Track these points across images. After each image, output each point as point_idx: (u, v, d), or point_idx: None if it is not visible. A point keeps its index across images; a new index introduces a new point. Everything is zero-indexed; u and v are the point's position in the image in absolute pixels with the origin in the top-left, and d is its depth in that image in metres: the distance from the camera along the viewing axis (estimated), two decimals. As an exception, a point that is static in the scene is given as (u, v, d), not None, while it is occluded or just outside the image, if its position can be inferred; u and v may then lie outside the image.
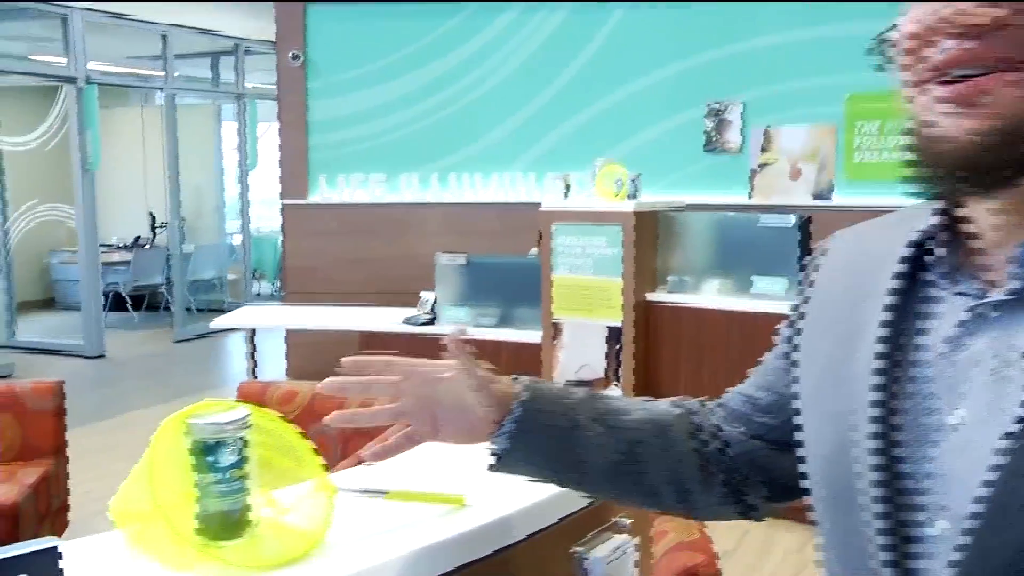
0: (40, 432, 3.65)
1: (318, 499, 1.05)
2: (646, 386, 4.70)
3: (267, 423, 1.08)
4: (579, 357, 4.87)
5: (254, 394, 3.60)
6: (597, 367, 4.82)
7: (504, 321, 5.24)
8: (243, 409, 1.04)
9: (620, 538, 1.32)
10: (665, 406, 1.02)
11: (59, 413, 3.70)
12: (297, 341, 7.00)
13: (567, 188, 5.22)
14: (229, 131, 10.09)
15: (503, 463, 0.97)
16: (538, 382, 0.99)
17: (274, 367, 6.98)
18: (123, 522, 1.01)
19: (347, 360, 1.00)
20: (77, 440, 3.73)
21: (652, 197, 5.16)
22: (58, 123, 8.26)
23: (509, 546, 1.14)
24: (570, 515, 1.24)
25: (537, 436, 0.95)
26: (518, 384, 0.99)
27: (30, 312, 9.54)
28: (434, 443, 1.00)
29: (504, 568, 1.15)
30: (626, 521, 1.35)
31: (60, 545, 0.89)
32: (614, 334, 4.73)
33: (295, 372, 6.92)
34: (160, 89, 8.85)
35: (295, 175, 7.05)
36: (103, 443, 5.27)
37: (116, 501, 1.01)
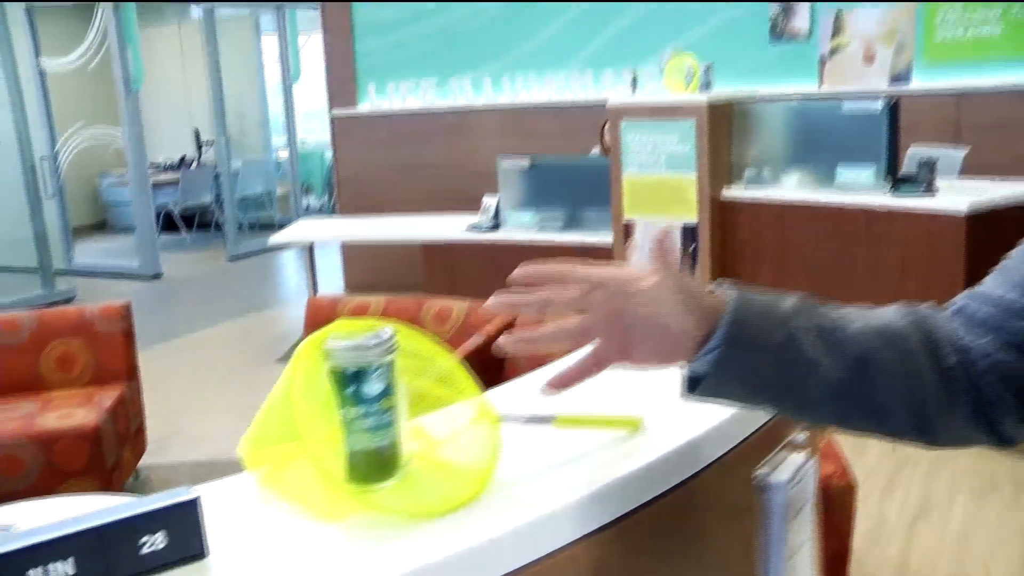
0: (112, 355, 3.58)
1: (480, 431, 0.89)
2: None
3: (414, 345, 0.91)
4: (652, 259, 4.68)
5: (325, 309, 3.48)
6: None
7: (571, 224, 5.05)
8: (387, 329, 0.88)
9: (798, 457, 1.16)
10: (890, 314, 0.83)
11: (128, 335, 3.62)
12: (354, 255, 6.88)
13: (635, 82, 4.95)
14: (269, 43, 9.83)
15: (706, 387, 0.80)
16: (745, 291, 0.81)
17: (330, 282, 6.89)
18: (256, 463, 0.86)
19: (519, 272, 0.82)
20: (141, 363, 3.65)
21: (719, 90, 4.87)
22: (97, 42, 8.06)
23: (692, 475, 0.98)
24: (751, 435, 1.07)
25: (749, 354, 0.78)
26: (724, 293, 0.81)
27: (84, 236, 9.53)
28: (623, 366, 0.83)
29: (688, 501, 0.99)
30: (803, 437, 1.18)
31: (199, 497, 0.74)
32: (689, 233, 4.52)
33: (352, 286, 6.82)
34: (197, 1, 8.60)
35: (342, 84, 6.82)
36: (167, 365, 5.23)
37: (248, 440, 0.86)
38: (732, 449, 1.04)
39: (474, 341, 3.02)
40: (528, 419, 0.93)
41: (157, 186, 9.09)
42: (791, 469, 1.13)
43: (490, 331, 3.07)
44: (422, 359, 0.92)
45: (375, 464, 0.87)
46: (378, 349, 0.85)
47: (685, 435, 0.98)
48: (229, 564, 0.75)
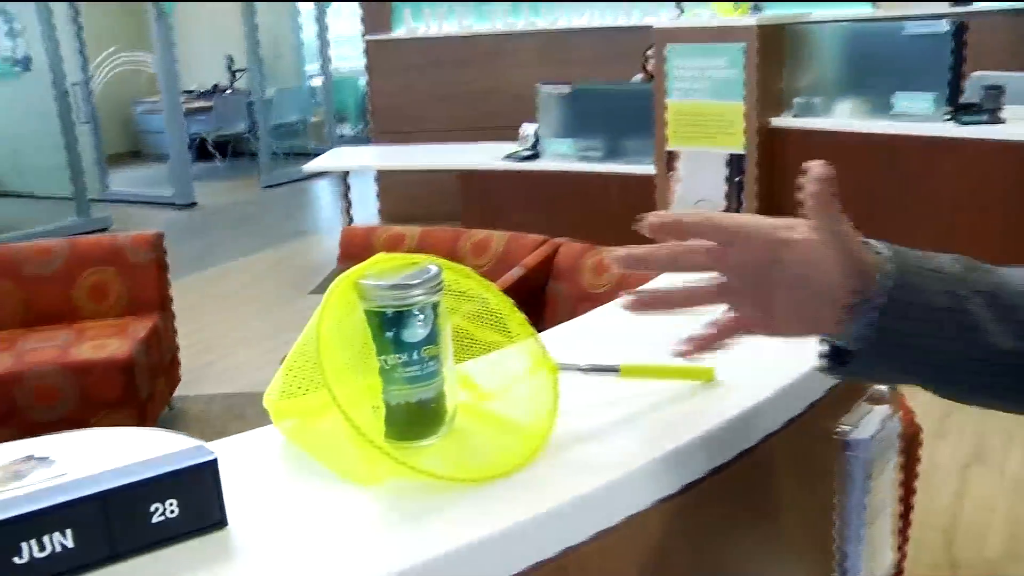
0: (144, 285, 3.53)
1: (536, 381, 0.79)
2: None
3: (462, 283, 0.80)
4: (696, 190, 4.52)
5: (359, 239, 3.39)
6: (716, 200, 4.47)
7: (612, 154, 4.88)
8: (431, 267, 0.77)
9: (881, 410, 1.05)
10: None
11: (161, 265, 3.56)
12: (389, 184, 6.77)
13: (680, 5, 4.73)
14: (301, -34, 9.60)
15: (860, 361, 0.67)
16: (895, 246, 0.67)
17: (365, 212, 6.80)
18: (284, 415, 0.76)
19: (652, 219, 0.68)
20: (176, 290, 3.58)
21: (769, 12, 4.64)
22: (128, -36, 7.90)
23: (771, 433, 0.87)
24: (832, 388, 0.96)
25: (914, 323, 0.64)
26: (876, 250, 0.67)
27: (119, 164, 9.47)
28: (764, 333, 0.70)
29: (766, 460, 0.88)
30: (885, 389, 1.07)
31: (216, 458, 0.65)
32: (735, 163, 4.35)
33: (388, 216, 6.72)
34: (228, -78, 8.38)
35: (377, 8, 6.62)
36: (201, 295, 5.19)
37: (274, 389, 0.76)
38: (813, 404, 0.93)
39: (513, 274, 2.91)
40: (590, 369, 0.82)
41: (190, 114, 8.99)
42: (874, 424, 1.01)
43: (530, 264, 2.96)
44: (470, 299, 0.81)
45: (417, 419, 0.76)
46: (422, 288, 0.74)
47: (763, 389, 0.86)
48: (251, 535, 0.66)
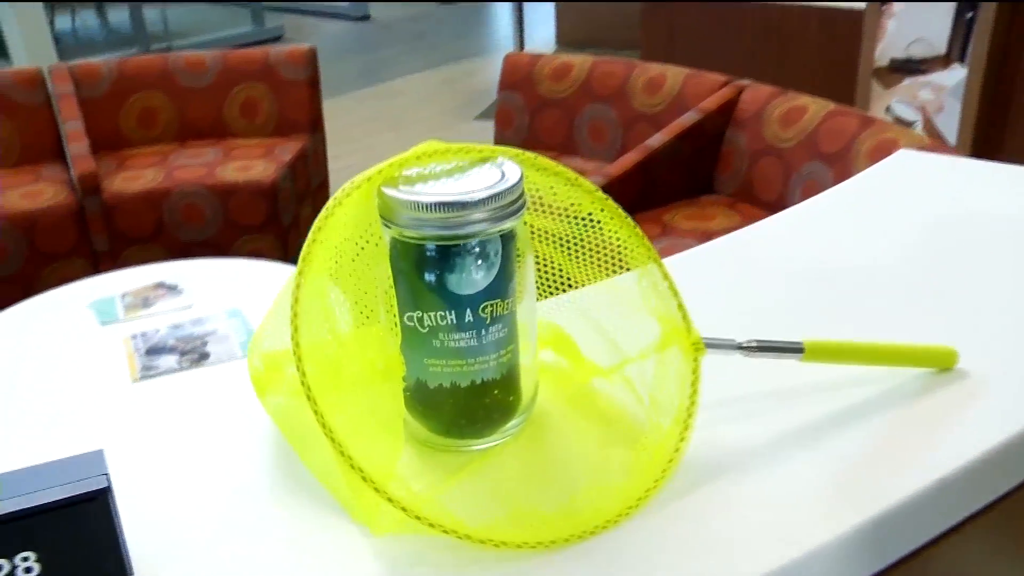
0: (296, 103, 3.36)
1: (668, 363, 0.48)
2: (1001, 73, 3.68)
3: (561, 193, 0.50)
4: (913, 28, 3.87)
5: (523, 67, 3.07)
6: (936, 42, 3.82)
7: (819, -18, 4.24)
8: (509, 166, 0.47)
9: None
10: None
11: (313, 83, 3.37)
12: (568, 5, 6.31)
13: None
14: None
15: None
16: None
17: (543, 32, 6.39)
18: (269, 387, 0.49)
19: None
20: (336, 109, 3.39)
21: None
22: None
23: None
24: None
25: None
26: None
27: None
28: None
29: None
30: None
31: (109, 487, 0.39)
32: (969, -1, 3.66)
33: (564, 42, 6.30)
34: None
35: None
36: (361, 114, 5.02)
37: (256, 347, 0.49)
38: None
39: (688, 118, 2.54)
40: (756, 347, 0.51)
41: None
42: None
43: (708, 107, 2.57)
44: (570, 221, 0.50)
45: (470, 409, 0.49)
46: (488, 208, 0.45)
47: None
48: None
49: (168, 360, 1.86)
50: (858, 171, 2.14)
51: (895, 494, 0.45)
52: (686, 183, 2.61)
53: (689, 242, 2.34)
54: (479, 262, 0.46)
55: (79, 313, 2.09)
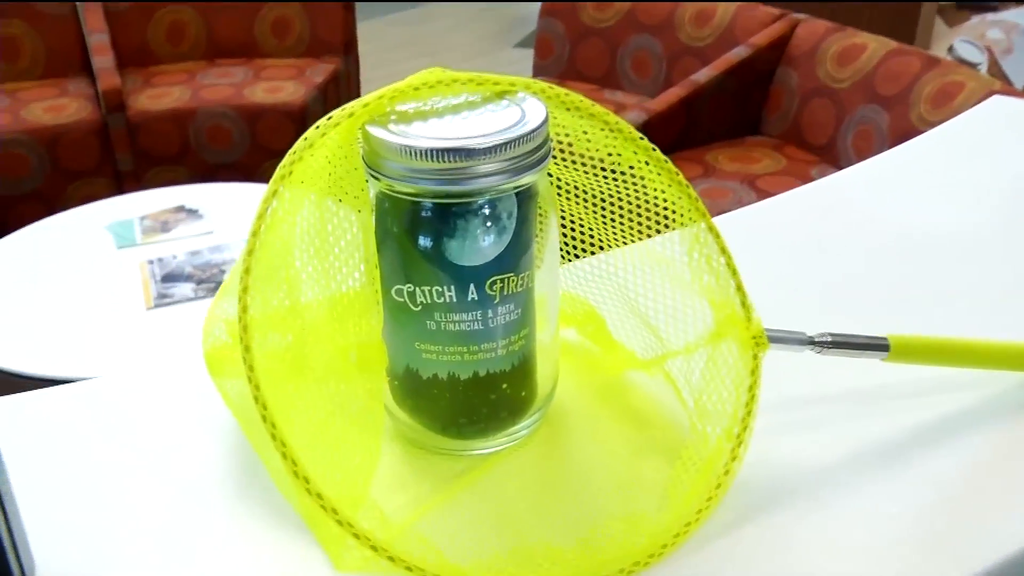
0: (328, 23, 3.24)
1: (721, 360, 0.38)
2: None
3: (595, 139, 0.39)
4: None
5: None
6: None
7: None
8: (532, 104, 0.37)
9: None
10: None
11: (347, 3, 3.24)
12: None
13: None
14: None
15: None
16: None
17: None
18: (223, 368, 0.40)
19: None
20: (369, 33, 3.27)
21: None
22: None
23: None
24: None
25: None
26: None
27: None
28: None
29: None
30: None
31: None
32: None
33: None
34: None
35: None
36: (397, 38, 4.86)
37: (215, 315, 0.40)
38: None
39: (737, 54, 2.40)
40: (830, 343, 0.40)
41: None
42: None
43: (759, 43, 2.42)
44: (603, 178, 0.40)
45: (471, 406, 0.39)
46: (503, 158, 0.35)
47: None
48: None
49: (184, 288, 1.79)
50: (918, 116, 1.99)
51: (1008, 543, 0.35)
52: (731, 122, 2.48)
53: (731, 184, 2.22)
54: (488, 226, 0.36)
55: (97, 234, 2.02)
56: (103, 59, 2.87)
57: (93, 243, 1.98)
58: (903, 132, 2.04)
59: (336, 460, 0.32)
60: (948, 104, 1.95)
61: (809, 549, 0.36)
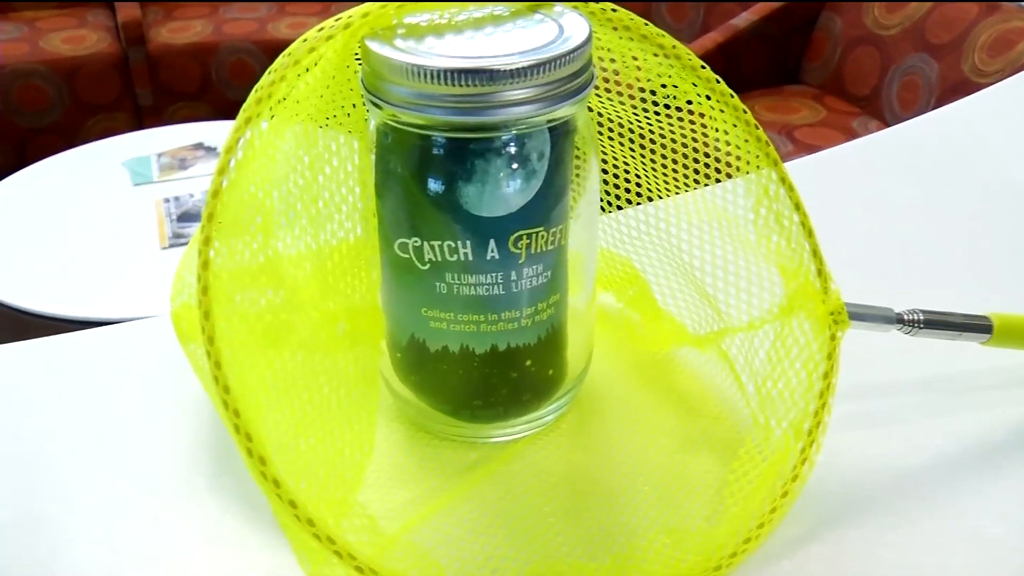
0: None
1: (794, 339, 0.32)
2: None
3: (649, 65, 0.32)
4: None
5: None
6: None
7: None
8: (572, 19, 0.29)
9: None
10: None
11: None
12: None
13: None
14: None
15: None
16: None
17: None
18: (192, 331, 0.33)
19: None
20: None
21: None
22: None
23: None
24: None
25: None
26: None
27: None
28: None
29: None
30: None
31: None
32: None
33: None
34: None
35: None
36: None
37: (179, 283, 0.34)
38: None
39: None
40: (923, 323, 0.34)
41: None
42: None
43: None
44: (655, 115, 0.33)
45: (487, 386, 0.33)
46: (535, 83, 0.28)
47: None
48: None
49: (199, 228, 1.73)
50: (971, 67, 1.86)
51: None
52: (770, 70, 2.37)
53: (769, 135, 2.12)
54: (514, 168, 0.29)
55: (114, 170, 1.97)
56: (123, -11, 2.80)
57: (109, 179, 1.93)
58: (953, 83, 1.93)
59: (319, 456, 0.26)
60: (1006, 52, 1.84)
61: (898, 574, 0.29)
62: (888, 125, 2.03)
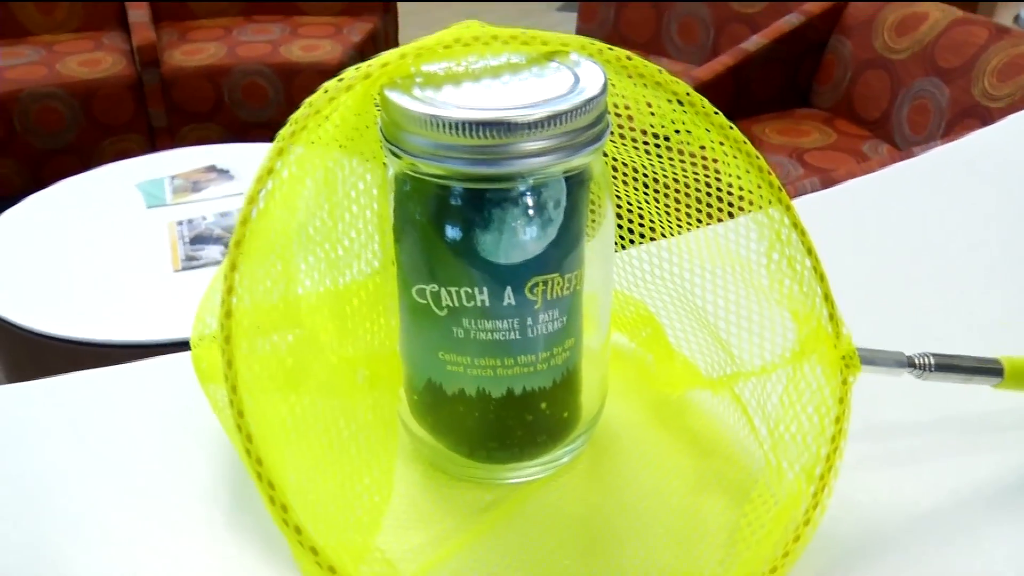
0: (369, -18, 3.17)
1: (804, 387, 0.32)
2: None
3: (662, 112, 0.33)
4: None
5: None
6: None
7: None
8: (588, 68, 0.30)
9: None
10: None
11: (388, -38, 3.17)
12: None
13: None
14: None
15: None
16: None
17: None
18: (213, 373, 0.34)
19: None
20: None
21: None
22: None
23: None
24: None
25: None
26: None
27: None
28: None
29: None
30: None
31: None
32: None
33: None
34: None
35: None
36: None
37: (200, 325, 0.34)
38: None
39: (789, 21, 2.31)
40: (934, 367, 0.34)
41: None
42: None
43: (812, 10, 2.32)
44: (669, 161, 0.33)
45: (503, 428, 0.33)
46: (552, 133, 0.28)
47: None
48: None
49: (212, 251, 1.74)
50: (981, 91, 1.87)
51: None
52: (780, 93, 2.38)
53: (779, 159, 2.13)
54: (530, 216, 0.30)
55: (128, 192, 1.99)
56: (138, 13, 2.83)
57: (123, 201, 1.95)
58: (963, 107, 1.94)
59: (338, 500, 0.26)
60: (1016, 77, 1.84)
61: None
62: (898, 148, 2.03)
